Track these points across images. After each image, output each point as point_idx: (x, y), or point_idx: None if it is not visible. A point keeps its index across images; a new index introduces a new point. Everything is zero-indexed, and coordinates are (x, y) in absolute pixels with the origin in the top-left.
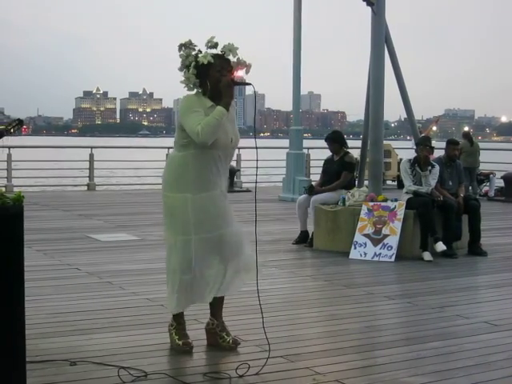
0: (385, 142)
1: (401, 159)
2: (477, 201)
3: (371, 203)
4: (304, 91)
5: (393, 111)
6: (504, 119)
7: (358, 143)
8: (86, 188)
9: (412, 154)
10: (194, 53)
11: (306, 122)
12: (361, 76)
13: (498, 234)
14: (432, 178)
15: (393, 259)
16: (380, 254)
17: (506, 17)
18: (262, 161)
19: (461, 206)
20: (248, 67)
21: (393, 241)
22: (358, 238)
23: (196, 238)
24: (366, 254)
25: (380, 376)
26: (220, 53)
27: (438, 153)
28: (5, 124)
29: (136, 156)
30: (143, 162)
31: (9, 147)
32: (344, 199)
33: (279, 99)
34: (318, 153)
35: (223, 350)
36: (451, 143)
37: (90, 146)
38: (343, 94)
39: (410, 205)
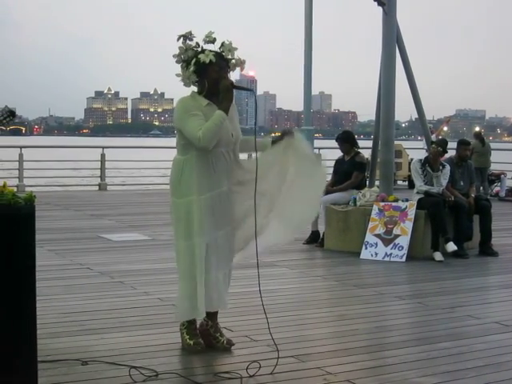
0: (396, 142)
1: (412, 159)
2: (488, 201)
3: (382, 203)
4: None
5: (404, 111)
6: None
7: (369, 143)
8: (97, 188)
9: (423, 154)
10: (192, 46)
11: (317, 122)
12: (372, 76)
13: (509, 235)
14: (443, 179)
15: (404, 259)
16: (391, 254)
17: None
18: None
19: (472, 206)
20: (243, 64)
21: (404, 241)
22: (369, 238)
23: (200, 240)
24: (376, 254)
25: (390, 376)
26: (219, 51)
27: (450, 153)
28: None
29: (147, 156)
30: (154, 162)
31: (20, 147)
32: (355, 199)
33: (290, 99)
34: (329, 153)
35: (217, 350)
36: (462, 143)
37: (102, 146)
38: (354, 94)
39: (420, 205)
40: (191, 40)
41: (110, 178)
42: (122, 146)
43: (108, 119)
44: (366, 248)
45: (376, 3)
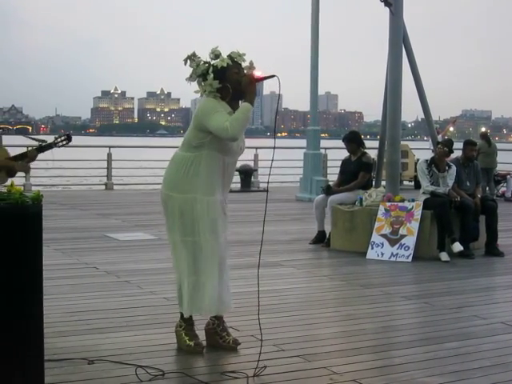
0: (402, 142)
1: (418, 159)
2: (494, 201)
3: (388, 203)
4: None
5: (410, 111)
6: None
7: (376, 143)
8: (103, 187)
9: (429, 155)
10: (203, 61)
11: (324, 122)
12: (378, 76)
13: None
14: (449, 179)
15: (410, 259)
16: (397, 254)
17: None
18: (280, 161)
19: (478, 207)
20: (254, 68)
21: (410, 241)
22: (375, 238)
23: (203, 238)
24: (383, 254)
25: (397, 376)
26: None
27: (456, 153)
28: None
29: (154, 155)
30: (161, 161)
31: (27, 146)
32: (361, 199)
33: (296, 99)
34: (336, 153)
35: (224, 350)
36: (469, 144)
37: (108, 145)
38: (360, 94)
39: (427, 205)
40: (198, 59)
41: (116, 178)
42: (128, 146)
43: (114, 119)
44: (373, 248)
45: (383, 3)
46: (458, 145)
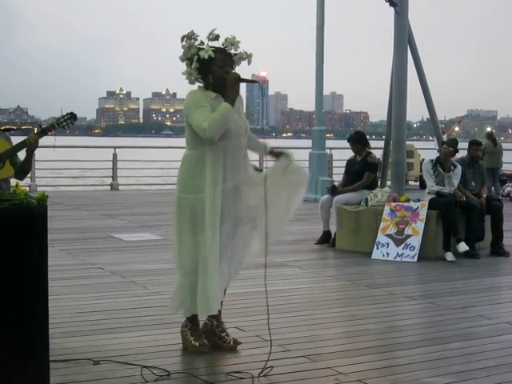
0: (407, 142)
1: (423, 159)
2: (499, 201)
3: (394, 203)
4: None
5: (415, 111)
6: None
7: (381, 143)
8: (109, 188)
9: (434, 155)
10: (196, 44)
11: (329, 122)
12: (384, 76)
13: None
14: (455, 179)
15: (415, 259)
16: (402, 254)
17: None
18: None
19: (483, 207)
20: (249, 58)
21: (415, 241)
22: (381, 238)
23: (213, 233)
24: (388, 254)
25: (402, 376)
26: (222, 46)
27: (461, 153)
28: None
29: (159, 156)
30: (166, 161)
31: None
32: (366, 199)
33: (302, 99)
34: (341, 153)
35: (224, 350)
36: (474, 144)
37: (114, 146)
38: (366, 94)
39: (432, 205)
40: (195, 39)
41: (121, 178)
42: (133, 146)
43: (120, 119)
44: (378, 248)
45: (388, 4)
46: (463, 145)
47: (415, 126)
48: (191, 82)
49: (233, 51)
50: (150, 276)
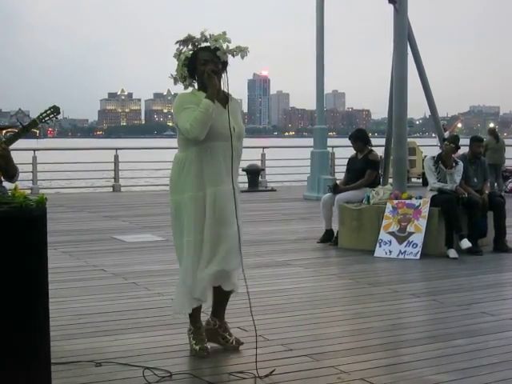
0: (410, 139)
1: (425, 156)
2: (502, 197)
3: (396, 201)
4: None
5: (418, 108)
6: None
7: (383, 141)
8: (111, 189)
9: (437, 151)
10: (186, 48)
11: (331, 120)
12: (386, 74)
13: None
14: (457, 175)
15: (418, 257)
16: (405, 251)
17: None
18: (287, 160)
19: (485, 203)
20: (244, 51)
21: (418, 238)
22: (383, 236)
23: (197, 238)
24: (390, 251)
25: (405, 374)
26: (208, 44)
27: (463, 150)
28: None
29: (161, 157)
30: (168, 162)
31: (34, 150)
32: (368, 197)
33: (304, 98)
34: (343, 151)
35: (227, 350)
36: (475, 140)
37: (115, 147)
38: (368, 92)
39: (434, 202)
40: (193, 43)
41: (123, 180)
42: (135, 148)
43: (122, 120)
44: (380, 246)
45: (387, 1)
46: (465, 141)
47: (417, 122)
48: (185, 87)
49: (217, 47)
50: (151, 277)
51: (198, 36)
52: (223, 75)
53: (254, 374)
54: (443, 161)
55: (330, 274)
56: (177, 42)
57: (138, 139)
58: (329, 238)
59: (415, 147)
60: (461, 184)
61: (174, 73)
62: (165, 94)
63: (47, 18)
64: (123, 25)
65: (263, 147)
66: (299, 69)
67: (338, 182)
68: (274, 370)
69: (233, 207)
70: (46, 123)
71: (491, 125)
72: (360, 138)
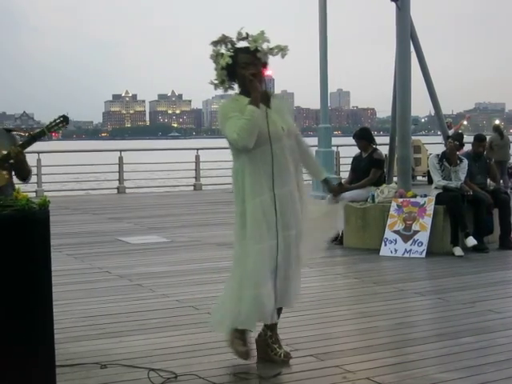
0: (415, 137)
1: (431, 154)
2: (507, 194)
3: (400, 199)
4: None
5: (423, 106)
6: None
7: (388, 139)
8: (115, 191)
9: (442, 149)
10: (223, 49)
11: (336, 119)
12: (390, 72)
13: None
14: (461, 173)
15: (423, 255)
16: (410, 250)
17: None
18: None
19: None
20: (284, 50)
21: (423, 237)
22: (388, 234)
23: (256, 248)
24: (396, 250)
25: (411, 373)
26: (248, 45)
27: (467, 147)
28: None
29: (166, 158)
30: (173, 163)
31: (38, 152)
32: (373, 196)
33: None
34: (348, 150)
35: (273, 362)
36: (476, 139)
37: (119, 149)
38: (372, 90)
39: (439, 200)
40: (226, 43)
41: (128, 181)
42: (139, 149)
43: (126, 122)
44: (386, 245)
45: None
46: (470, 138)
47: (423, 120)
48: (225, 90)
49: (257, 48)
50: (156, 279)
51: (233, 36)
52: (264, 75)
53: (259, 374)
54: (447, 158)
55: (335, 273)
56: (211, 43)
57: (143, 140)
58: (334, 237)
59: (420, 145)
60: (466, 181)
61: (214, 78)
62: (169, 94)
63: (51, 20)
64: (127, 25)
65: None
66: (304, 68)
67: (342, 181)
68: (280, 372)
69: (293, 210)
70: (55, 132)
71: (496, 122)
72: (364, 137)
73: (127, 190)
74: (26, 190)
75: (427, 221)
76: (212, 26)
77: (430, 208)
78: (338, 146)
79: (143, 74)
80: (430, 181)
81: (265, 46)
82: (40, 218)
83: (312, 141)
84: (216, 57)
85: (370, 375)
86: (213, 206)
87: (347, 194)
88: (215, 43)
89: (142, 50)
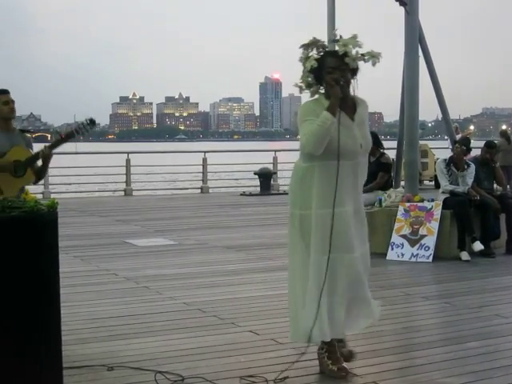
0: (422, 142)
1: (438, 159)
2: None
3: (408, 204)
4: None
5: (430, 111)
6: None
7: (396, 144)
8: (123, 193)
9: (449, 154)
10: (313, 52)
11: None
12: (398, 76)
13: None
14: (469, 178)
15: (430, 260)
16: (417, 254)
17: None
18: None
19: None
20: (376, 57)
21: (430, 241)
22: (395, 238)
23: (317, 259)
24: (403, 254)
25: (417, 377)
26: (337, 49)
27: (475, 152)
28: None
29: (173, 160)
30: (180, 166)
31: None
32: (380, 200)
33: None
34: None
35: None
36: (485, 146)
37: (127, 151)
38: (380, 94)
39: (446, 205)
40: (317, 47)
41: (135, 184)
42: (146, 151)
43: (133, 124)
44: (393, 249)
45: (398, 3)
46: (477, 143)
47: (430, 125)
48: (312, 94)
49: (346, 53)
50: (163, 281)
51: (325, 40)
52: (352, 81)
53: (266, 377)
54: (455, 163)
55: None
56: (301, 47)
57: (150, 143)
58: None
59: (427, 150)
60: (473, 186)
61: (299, 81)
62: (176, 97)
63: (58, 22)
64: (133, 28)
65: (275, 150)
66: None
67: None
68: (286, 377)
69: (353, 232)
70: (82, 134)
71: (503, 127)
72: (372, 141)
73: (134, 193)
74: (33, 191)
75: (434, 225)
76: (218, 29)
77: (437, 212)
78: None
79: (150, 76)
80: (437, 185)
81: (354, 51)
82: (48, 219)
83: None
84: (305, 59)
85: (376, 379)
86: (220, 208)
87: None
88: (306, 46)
89: (150, 52)
